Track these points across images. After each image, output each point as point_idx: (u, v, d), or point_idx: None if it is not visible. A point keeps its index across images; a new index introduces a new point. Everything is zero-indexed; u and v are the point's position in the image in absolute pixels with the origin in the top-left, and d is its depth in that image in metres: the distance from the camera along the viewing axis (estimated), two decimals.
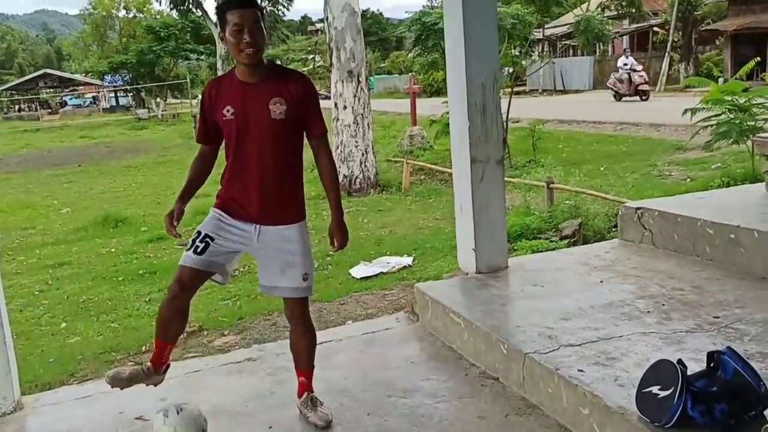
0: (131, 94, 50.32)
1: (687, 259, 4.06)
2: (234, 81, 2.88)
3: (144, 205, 12.39)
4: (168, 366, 3.14)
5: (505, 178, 10.39)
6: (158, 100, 42.53)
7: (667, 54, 27.39)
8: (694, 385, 2.25)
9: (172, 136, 28.47)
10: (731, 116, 7.85)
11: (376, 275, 6.35)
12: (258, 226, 2.91)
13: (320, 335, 4.08)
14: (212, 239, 2.92)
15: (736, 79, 8.50)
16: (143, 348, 4.94)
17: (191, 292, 3.02)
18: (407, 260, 6.71)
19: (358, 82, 11.27)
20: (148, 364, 3.08)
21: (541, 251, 5.98)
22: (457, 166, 4.22)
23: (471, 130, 4.02)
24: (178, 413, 2.79)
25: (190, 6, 32.63)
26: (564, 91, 32.36)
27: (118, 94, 53.59)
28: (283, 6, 25.90)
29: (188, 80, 40.12)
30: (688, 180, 9.66)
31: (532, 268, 4.21)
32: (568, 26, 24.82)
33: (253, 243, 2.94)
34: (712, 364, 2.38)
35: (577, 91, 31.73)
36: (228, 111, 2.84)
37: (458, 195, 4.25)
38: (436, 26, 11.83)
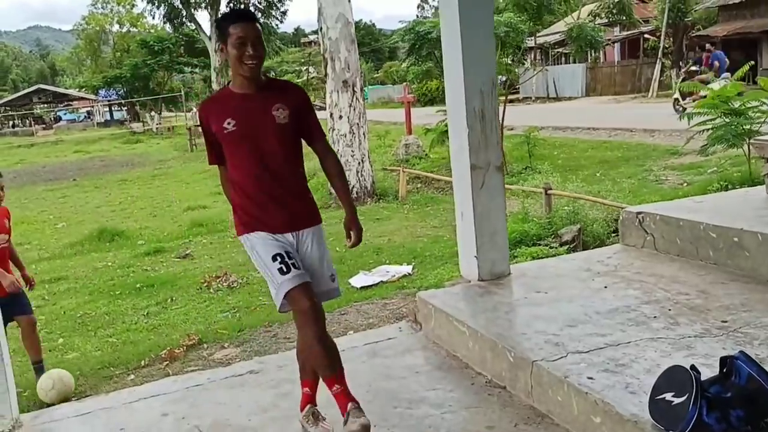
0: (126, 108, 50.30)
1: (690, 263, 4.03)
2: (231, 95, 2.89)
3: (140, 218, 12.34)
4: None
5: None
6: (153, 113, 42.52)
7: (658, 60, 27.50)
8: (708, 392, 2.22)
9: (167, 149, 28.46)
10: (726, 120, 7.85)
11: (376, 284, 6.31)
12: (293, 233, 2.90)
13: None
14: (291, 253, 2.86)
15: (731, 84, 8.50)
16: (142, 362, 4.88)
17: (321, 313, 2.92)
18: (407, 269, 6.66)
19: (353, 91, 11.26)
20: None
21: (542, 258, 5.95)
22: (457, 172, 4.19)
23: (470, 137, 4.00)
24: None
25: (184, 20, 32.65)
26: (557, 98, 32.44)
27: (113, 109, 53.52)
28: (277, 18, 25.99)
29: (183, 93, 40.11)
30: (685, 185, 9.66)
31: (535, 275, 4.17)
32: (560, 34, 24.80)
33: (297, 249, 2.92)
34: (725, 370, 2.34)
35: (569, 98, 31.81)
36: (229, 123, 2.82)
37: (459, 202, 4.22)
38: (430, 35, 11.82)
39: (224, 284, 6.95)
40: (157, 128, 39.23)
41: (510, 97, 14.51)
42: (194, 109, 28.80)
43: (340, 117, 11.27)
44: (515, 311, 3.58)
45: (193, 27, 31.54)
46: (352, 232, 3.06)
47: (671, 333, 3.05)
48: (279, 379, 3.59)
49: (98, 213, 13.59)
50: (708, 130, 7.95)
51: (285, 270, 2.78)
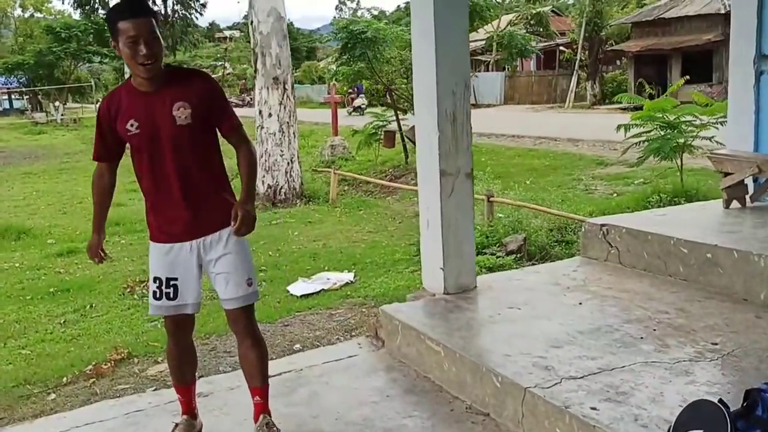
0: (27, 96, 47.43)
1: (660, 279, 3.93)
2: (132, 92, 2.71)
3: (48, 215, 11.45)
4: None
5: None
6: (57, 103, 40.24)
7: (575, 72, 28.32)
8: (737, 428, 2.04)
9: (73, 142, 26.92)
10: (662, 133, 7.97)
11: (317, 292, 5.97)
12: (196, 241, 2.78)
13: (274, 365, 3.70)
14: (176, 279, 2.79)
15: (664, 96, 8.66)
16: (64, 379, 4.36)
17: (189, 332, 3.00)
18: (348, 276, 6.36)
19: (284, 89, 10.85)
20: (183, 417, 3.00)
21: (492, 268, 5.79)
22: (424, 179, 3.94)
23: (441, 141, 3.75)
24: None
25: (97, 6, 31.03)
26: (476, 105, 32.84)
27: (12, 97, 50.41)
28: (196, 11, 25.06)
29: (93, 83, 38.18)
30: (615, 195, 9.79)
31: (502, 288, 3.97)
32: (483, 41, 25.17)
33: (203, 260, 2.82)
34: (746, 403, 2.18)
35: (488, 105, 32.33)
36: (132, 125, 2.67)
37: (424, 210, 3.96)
38: (364, 35, 11.57)
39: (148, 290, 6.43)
40: (61, 119, 37.14)
41: None
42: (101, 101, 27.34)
43: (270, 115, 10.84)
44: (492, 329, 3.34)
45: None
46: (239, 214, 2.72)
47: (664, 356, 2.89)
48: (233, 403, 3.22)
49: (0, 208, 12.56)
50: (644, 141, 8.05)
51: (157, 296, 2.81)
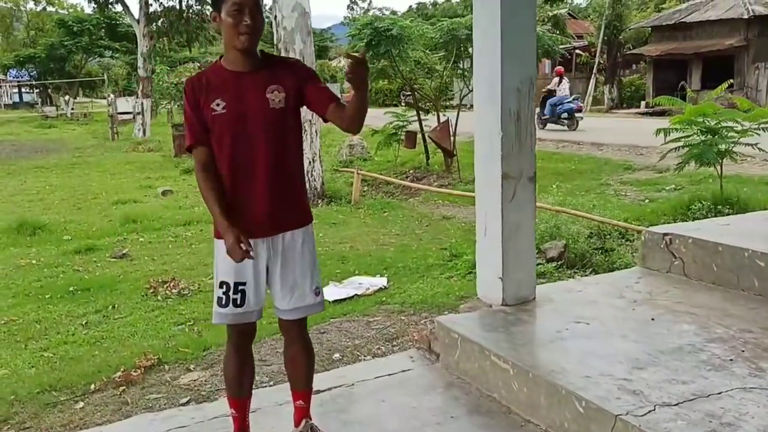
0: (37, 90, 47.37)
1: (732, 294, 3.67)
2: (222, 72, 2.57)
3: (63, 210, 11.23)
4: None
5: (464, 192, 9.97)
6: (67, 97, 40.15)
7: (593, 76, 28.01)
8: None
9: (84, 136, 26.78)
10: (702, 138, 7.69)
11: (350, 297, 5.72)
12: (270, 239, 2.60)
13: (322, 378, 3.46)
14: (244, 283, 2.60)
15: (702, 102, 8.39)
16: (91, 386, 4.12)
17: (251, 340, 2.83)
18: (381, 281, 6.11)
19: None
20: None
21: (542, 278, 5.53)
22: (483, 182, 3.68)
23: (504, 141, 3.49)
24: None
25: (111, 0, 30.85)
26: None
27: (23, 90, 50.36)
28: (209, 4, 24.71)
29: (105, 78, 38.03)
30: (647, 201, 9.51)
31: (563, 300, 3.71)
32: None
33: (271, 261, 2.62)
34: None
35: None
36: (218, 105, 2.51)
37: (482, 215, 3.71)
38: (389, 32, 11.31)
39: (173, 291, 6.18)
40: (71, 113, 37.04)
41: (444, 103, 14.15)
42: (111, 96, 27.17)
43: None
44: (563, 346, 3.08)
45: (120, 8, 29.80)
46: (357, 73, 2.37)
47: (762, 382, 2.63)
48: (285, 418, 2.96)
49: (14, 202, 12.33)
50: (683, 147, 7.77)
51: (223, 302, 2.61)
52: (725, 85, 9.14)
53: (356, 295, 5.76)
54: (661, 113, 24.45)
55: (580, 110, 18.79)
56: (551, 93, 18.80)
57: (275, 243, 2.59)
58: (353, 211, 10.08)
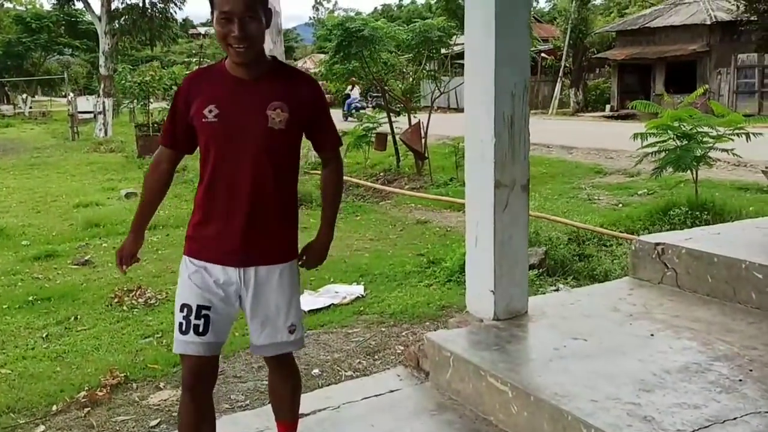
0: None
1: (729, 307, 3.55)
2: (223, 75, 2.29)
3: (21, 214, 10.76)
4: None
5: (438, 196, 9.82)
6: (25, 95, 39.05)
7: (559, 79, 28.19)
8: None
9: (43, 136, 26.00)
10: (678, 143, 7.65)
11: (326, 307, 5.51)
12: (245, 270, 2.32)
13: (307, 399, 3.22)
14: (209, 308, 2.31)
15: (681, 107, 8.35)
16: (53, 408, 3.84)
17: (211, 382, 2.42)
18: (358, 289, 5.90)
19: None
20: None
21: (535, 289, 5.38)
22: (474, 190, 3.52)
23: (496, 148, 3.33)
24: None
25: None
26: (457, 109, 32.58)
27: None
28: (175, 5, 24.33)
29: (65, 76, 37.07)
30: (620, 205, 9.47)
31: (557, 314, 3.55)
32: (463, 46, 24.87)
33: (242, 294, 2.35)
34: None
35: None
36: (210, 112, 2.23)
37: (472, 225, 3.53)
38: (361, 33, 11.12)
39: (139, 300, 5.89)
40: (29, 112, 36.02)
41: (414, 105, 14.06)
42: (71, 95, 26.47)
43: None
44: (564, 366, 2.92)
45: (80, 6, 29.05)
46: (311, 257, 2.54)
47: None
48: None
49: None
50: (660, 152, 7.72)
51: (184, 329, 2.30)
52: (701, 90, 9.16)
53: (332, 304, 5.55)
54: (626, 117, 24.73)
55: (364, 108, 23.95)
56: (348, 96, 25.69)
57: (247, 275, 2.33)
58: None
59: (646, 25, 26.53)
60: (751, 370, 2.81)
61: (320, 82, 17.03)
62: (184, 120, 2.30)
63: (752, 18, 22.95)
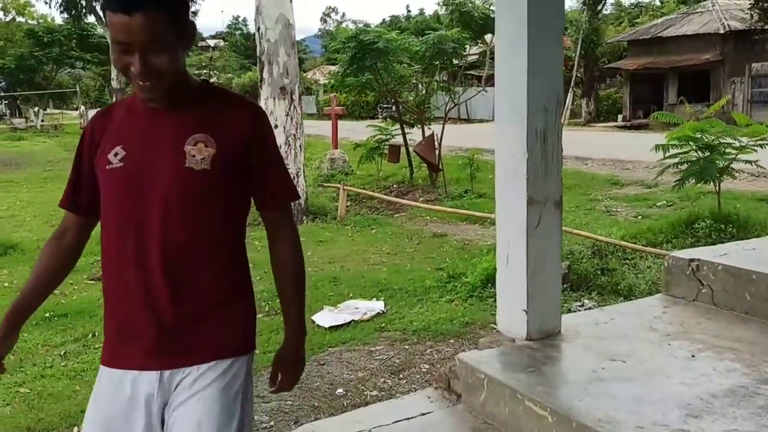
0: (6, 102, 46.39)
1: None
2: (135, 107, 1.75)
3: (35, 228, 10.76)
4: None
5: (454, 209, 9.72)
6: (36, 108, 39.32)
7: (571, 89, 28.10)
8: None
9: (55, 149, 26.13)
10: (701, 155, 7.54)
11: (347, 324, 5.42)
12: (167, 373, 1.70)
13: (334, 423, 3.17)
14: None
15: (703, 118, 8.26)
16: (75, 429, 3.76)
17: None
18: (379, 305, 5.81)
19: (291, 99, 10.32)
20: None
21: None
22: (505, 207, 3.42)
23: (529, 163, 3.23)
24: None
25: (83, 11, 30.17)
26: (468, 120, 32.53)
27: None
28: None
29: (77, 89, 37.27)
30: (640, 217, 9.37)
31: (591, 334, 3.45)
32: (477, 56, 24.82)
33: (168, 406, 1.72)
34: None
35: (481, 121, 31.97)
36: (116, 155, 1.70)
37: (504, 243, 3.43)
38: (375, 45, 11.07)
39: None
40: (41, 125, 36.23)
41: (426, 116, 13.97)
42: (82, 108, 26.58)
43: (276, 126, 10.26)
44: (605, 389, 2.81)
45: (92, 19, 29.25)
46: (282, 373, 1.88)
47: None
48: None
49: None
50: (681, 163, 7.61)
51: None
52: (723, 100, 9.03)
53: (353, 321, 5.46)
54: (639, 127, 24.61)
55: None
56: None
57: (170, 381, 1.70)
58: (340, 228, 9.78)
59: (659, 35, 26.43)
60: None
61: (331, 95, 17.03)
62: (91, 172, 1.77)
63: (766, 27, 22.85)
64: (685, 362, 3.06)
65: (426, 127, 13.33)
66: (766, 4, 22.70)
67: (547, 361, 3.13)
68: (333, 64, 30.70)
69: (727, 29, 24.16)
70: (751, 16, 23.74)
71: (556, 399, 2.76)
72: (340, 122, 16.93)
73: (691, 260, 3.91)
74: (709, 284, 3.80)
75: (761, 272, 3.56)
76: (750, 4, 23.58)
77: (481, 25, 13.66)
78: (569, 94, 28.19)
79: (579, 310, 5.17)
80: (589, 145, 17.01)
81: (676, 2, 35.65)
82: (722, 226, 6.93)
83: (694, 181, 7.50)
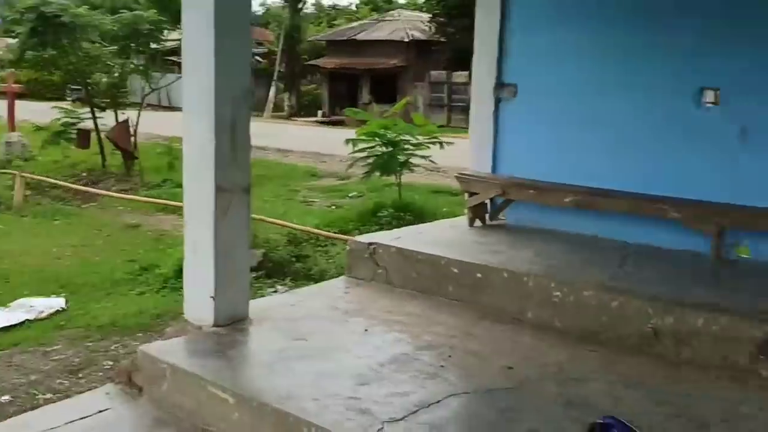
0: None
1: (434, 300, 3.88)
2: None
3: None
4: None
5: (150, 199, 9.34)
6: None
7: (274, 83, 28.64)
8: None
9: None
10: (385, 150, 8.24)
11: (21, 323, 4.92)
12: None
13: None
14: None
15: (387, 116, 9.02)
16: None
17: None
18: (59, 302, 5.37)
19: None
20: None
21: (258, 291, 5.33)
22: (193, 194, 3.39)
23: (217, 151, 3.24)
24: None
25: None
26: (170, 108, 31.34)
27: None
28: None
29: None
30: (333, 207, 9.92)
31: (279, 316, 3.57)
32: (178, 42, 24.07)
33: None
34: None
35: (181, 109, 31.03)
36: None
37: (191, 230, 3.40)
38: (59, 19, 10.10)
39: None
40: None
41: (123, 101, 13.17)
42: None
43: None
44: (288, 367, 2.93)
45: None
46: None
47: (468, 386, 2.80)
48: None
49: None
50: (369, 157, 8.24)
51: None
52: (404, 101, 9.95)
53: (27, 320, 4.97)
54: (336, 123, 26.00)
55: None
56: None
57: None
58: (16, 219, 8.80)
59: (354, 38, 28.16)
60: (450, 356, 3.11)
61: (9, 71, 15.15)
62: None
63: (442, 39, 25.71)
64: (360, 337, 3.33)
65: (121, 113, 12.56)
66: (441, 19, 25.55)
67: (234, 346, 3.17)
68: (13, 37, 27.33)
69: (411, 38, 26.66)
70: (430, 28, 26.53)
71: (240, 381, 2.83)
72: (20, 102, 15.20)
73: (370, 244, 4.26)
74: (385, 265, 4.17)
75: (426, 252, 4.03)
76: (429, 17, 26.35)
77: (179, 11, 13.23)
78: (272, 87, 28.73)
79: (272, 296, 5.32)
80: (291, 137, 17.56)
81: (369, 9, 38.33)
82: (402, 214, 7.67)
83: (379, 173, 8.16)
